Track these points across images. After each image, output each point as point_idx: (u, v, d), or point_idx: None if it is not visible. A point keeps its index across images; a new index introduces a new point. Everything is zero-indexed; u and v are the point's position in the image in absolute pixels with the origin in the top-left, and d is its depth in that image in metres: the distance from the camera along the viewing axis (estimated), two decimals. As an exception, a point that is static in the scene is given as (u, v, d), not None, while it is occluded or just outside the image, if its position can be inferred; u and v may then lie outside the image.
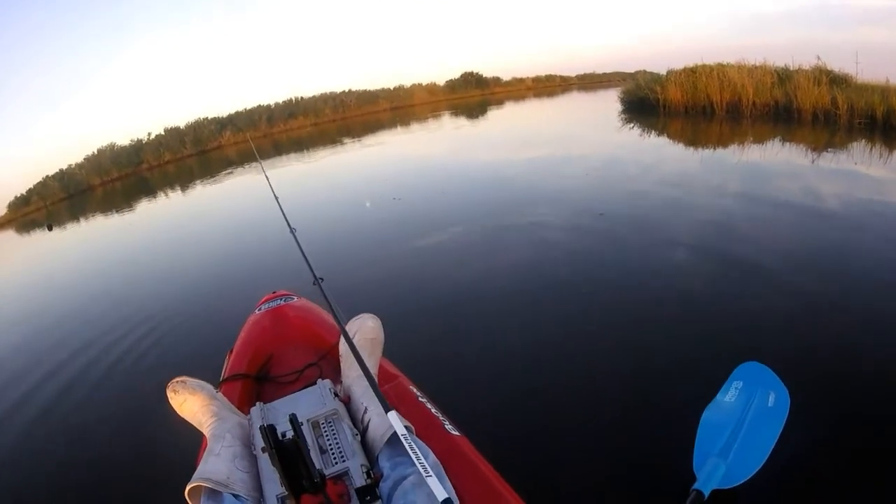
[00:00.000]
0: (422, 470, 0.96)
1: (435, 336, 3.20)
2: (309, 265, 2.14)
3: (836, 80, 9.14)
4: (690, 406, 2.04)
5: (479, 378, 2.70)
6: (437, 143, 14.20)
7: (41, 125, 32.89)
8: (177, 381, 1.60)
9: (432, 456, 1.32)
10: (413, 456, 1.00)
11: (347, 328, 1.76)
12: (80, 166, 23.08)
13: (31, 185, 21.78)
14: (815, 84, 9.13)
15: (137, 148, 24.63)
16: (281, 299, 2.50)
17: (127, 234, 9.82)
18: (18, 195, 21.57)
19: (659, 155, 8.45)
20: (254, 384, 2.01)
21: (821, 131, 8.50)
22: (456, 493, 1.24)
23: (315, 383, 1.70)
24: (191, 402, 1.56)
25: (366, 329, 1.77)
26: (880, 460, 1.90)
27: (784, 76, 10.28)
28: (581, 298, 3.49)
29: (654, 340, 2.89)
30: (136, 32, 40.73)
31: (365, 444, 1.44)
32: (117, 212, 13.43)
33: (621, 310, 3.28)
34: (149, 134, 25.19)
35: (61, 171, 22.62)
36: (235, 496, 1.27)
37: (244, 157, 18.56)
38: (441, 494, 0.92)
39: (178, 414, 1.60)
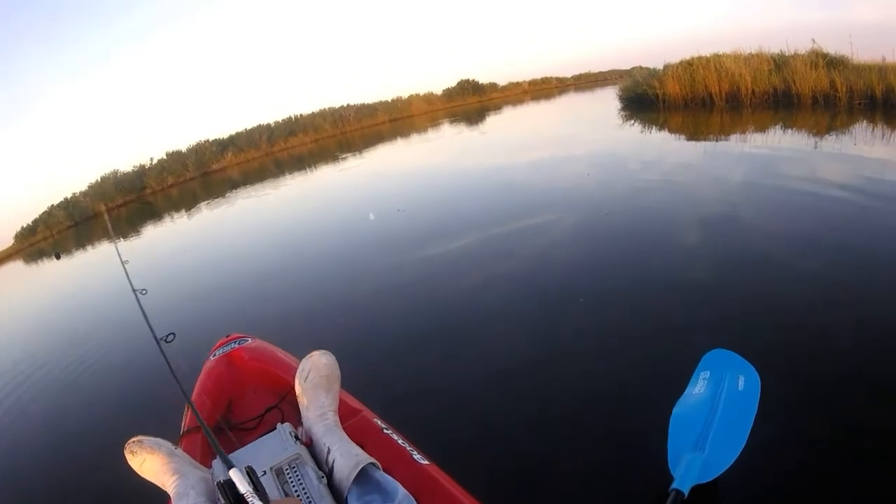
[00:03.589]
0: None
1: (396, 362, 3.11)
2: (150, 326, 2.17)
3: (833, 62, 9.16)
4: (661, 405, 2.00)
5: (444, 400, 2.62)
6: (435, 153, 14.15)
7: (43, 155, 33.13)
8: (133, 442, 1.53)
9: (402, 490, 1.32)
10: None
11: (301, 367, 1.75)
12: (84, 194, 23.19)
13: (36, 216, 21.96)
14: (812, 68, 9.18)
15: (140, 173, 24.83)
16: (235, 342, 2.40)
17: (94, 274, 9.48)
18: (25, 225, 21.77)
19: (661, 150, 8.42)
20: (215, 435, 1.97)
21: (821, 115, 8.52)
22: None
23: (275, 428, 1.66)
24: (150, 462, 1.50)
25: (320, 366, 1.73)
26: (855, 434, 1.91)
27: (780, 62, 10.31)
28: (537, 305, 3.45)
29: (617, 342, 2.84)
30: (134, 56, 41.10)
31: (332, 486, 1.41)
32: (120, 238, 13.44)
33: (582, 317, 3.20)
34: (151, 159, 25.46)
35: (66, 199, 22.77)
36: None
37: (246, 178, 18.65)
38: None
39: (138, 475, 1.54)
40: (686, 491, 1.58)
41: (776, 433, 1.88)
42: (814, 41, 9.70)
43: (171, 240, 10.94)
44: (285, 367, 2.16)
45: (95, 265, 10.91)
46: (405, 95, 32.01)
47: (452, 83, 32.85)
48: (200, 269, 7.03)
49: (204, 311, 4.92)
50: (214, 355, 2.36)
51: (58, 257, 13.25)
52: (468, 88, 32.18)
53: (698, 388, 2.03)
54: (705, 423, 1.83)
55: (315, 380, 1.70)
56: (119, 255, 3.16)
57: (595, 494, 1.88)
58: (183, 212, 15.06)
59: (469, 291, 3.91)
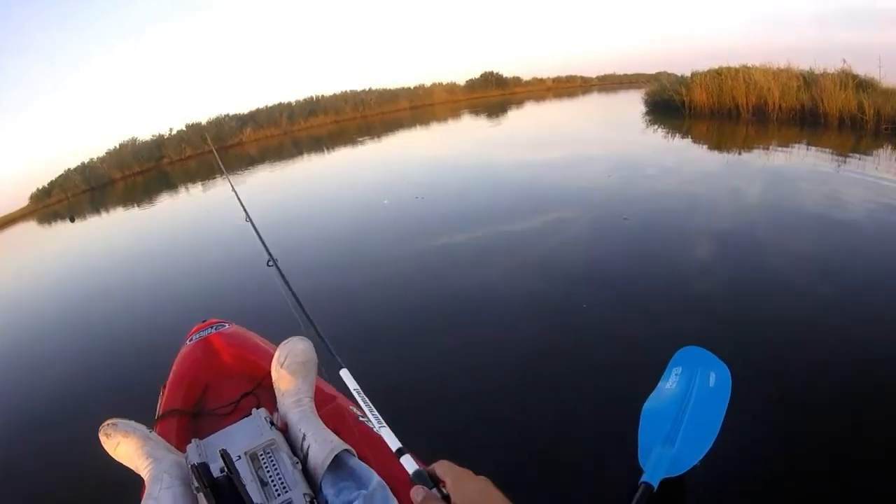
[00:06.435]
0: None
1: (382, 350, 3.16)
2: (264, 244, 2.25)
3: (862, 84, 9.09)
4: (633, 400, 2.04)
5: (423, 389, 2.68)
6: (456, 144, 14.13)
7: (63, 120, 33.42)
8: (108, 424, 1.51)
9: (376, 478, 1.33)
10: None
11: (278, 353, 1.74)
12: (101, 160, 23.34)
13: (52, 178, 22.17)
14: (840, 88, 9.09)
15: (159, 143, 24.86)
16: (212, 327, 2.37)
17: (71, 258, 9.31)
18: (40, 187, 22.00)
19: (683, 157, 8.43)
20: (190, 419, 1.92)
21: (847, 136, 8.46)
22: None
23: (251, 414, 1.66)
24: (124, 445, 1.48)
25: (296, 352, 1.71)
26: (823, 432, 1.99)
27: (809, 79, 10.22)
28: (514, 302, 3.56)
29: (590, 338, 2.95)
30: (158, 27, 41.21)
31: (307, 472, 1.41)
32: (134, 206, 13.61)
33: (556, 313, 3.31)
34: (170, 129, 25.48)
35: (83, 164, 22.94)
36: None
37: (263, 155, 18.68)
38: None
39: (112, 458, 1.52)
40: (655, 484, 1.61)
41: (746, 430, 1.94)
42: (844, 61, 9.61)
43: (162, 220, 10.99)
44: (262, 352, 2.16)
45: (94, 236, 11.07)
46: (428, 83, 31.86)
47: (476, 74, 32.71)
48: (178, 254, 7.01)
49: (183, 294, 4.88)
50: (191, 340, 2.33)
51: (72, 220, 13.37)
52: (491, 81, 31.97)
53: (670, 383, 2.08)
54: (676, 418, 1.87)
55: (292, 366, 1.68)
56: (247, 214, 3.17)
57: (567, 487, 1.92)
58: (199, 184, 15.16)
59: (470, 286, 3.95)
